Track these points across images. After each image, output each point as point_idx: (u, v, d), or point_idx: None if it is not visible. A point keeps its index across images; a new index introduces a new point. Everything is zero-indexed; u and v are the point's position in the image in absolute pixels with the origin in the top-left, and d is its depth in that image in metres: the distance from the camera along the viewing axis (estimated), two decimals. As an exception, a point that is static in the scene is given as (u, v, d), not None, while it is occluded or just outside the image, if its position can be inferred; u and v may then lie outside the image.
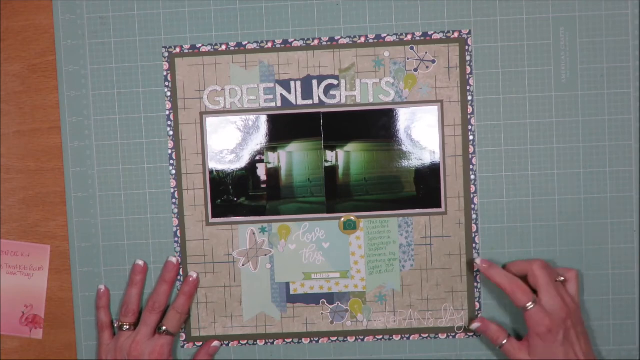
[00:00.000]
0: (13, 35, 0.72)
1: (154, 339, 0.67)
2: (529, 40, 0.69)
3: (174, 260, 0.70)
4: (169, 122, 0.71)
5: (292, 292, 0.71)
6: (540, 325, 0.62)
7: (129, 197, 0.71)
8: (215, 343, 0.71)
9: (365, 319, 0.71)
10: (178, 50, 0.70)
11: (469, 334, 0.71)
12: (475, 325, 0.68)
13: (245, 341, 0.72)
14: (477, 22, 0.69)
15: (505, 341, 0.66)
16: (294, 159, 0.70)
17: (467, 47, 0.69)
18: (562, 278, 0.65)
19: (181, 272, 0.71)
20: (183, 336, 0.72)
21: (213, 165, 0.71)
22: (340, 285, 0.71)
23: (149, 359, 0.67)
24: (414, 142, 0.70)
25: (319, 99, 0.70)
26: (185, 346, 0.72)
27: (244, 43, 0.70)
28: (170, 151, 0.71)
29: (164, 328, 0.68)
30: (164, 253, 0.71)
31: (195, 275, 0.70)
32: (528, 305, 0.63)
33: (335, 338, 0.71)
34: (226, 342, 0.72)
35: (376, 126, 0.70)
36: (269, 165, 0.71)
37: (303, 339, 0.72)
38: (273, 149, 0.71)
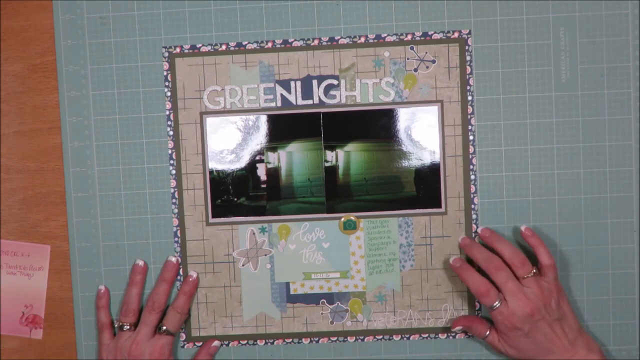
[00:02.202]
0: (13, 35, 0.72)
1: (154, 339, 0.67)
2: (529, 40, 0.69)
3: (173, 259, 0.70)
4: (169, 122, 0.71)
5: (292, 292, 0.71)
6: (502, 324, 0.64)
7: (129, 197, 0.71)
8: (216, 343, 0.71)
9: (365, 319, 0.71)
10: (178, 50, 0.70)
11: (469, 334, 0.71)
12: (457, 328, 0.68)
13: (245, 341, 0.72)
14: (477, 22, 0.69)
15: (488, 333, 0.67)
16: (294, 159, 0.70)
17: (467, 47, 0.69)
18: (534, 271, 0.64)
19: (181, 272, 0.71)
20: (183, 336, 0.72)
21: (213, 165, 0.71)
22: (340, 285, 0.71)
23: (149, 359, 0.67)
24: (414, 142, 0.70)
25: (319, 99, 0.70)
26: (185, 346, 0.72)
27: (244, 43, 0.70)
28: (170, 151, 0.71)
29: (164, 328, 0.68)
30: (164, 253, 0.71)
31: (195, 275, 0.70)
32: (494, 305, 0.64)
33: (335, 338, 0.71)
34: (226, 342, 0.72)
35: (376, 126, 0.70)
36: (269, 165, 0.71)
37: (303, 339, 0.72)
38: (273, 149, 0.71)
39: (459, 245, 0.70)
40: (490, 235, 0.67)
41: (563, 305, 0.65)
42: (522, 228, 0.67)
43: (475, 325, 0.68)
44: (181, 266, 0.71)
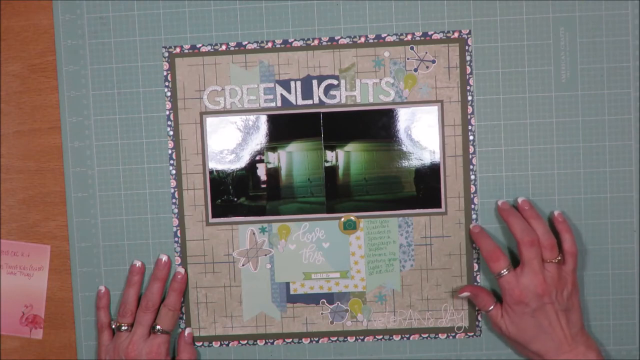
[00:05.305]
0: (13, 35, 0.72)
1: (150, 339, 0.67)
2: (529, 40, 0.69)
3: (164, 257, 0.70)
4: (169, 122, 0.71)
5: (292, 292, 0.71)
6: (509, 294, 0.65)
7: (129, 197, 0.71)
8: (188, 330, 0.71)
9: (365, 319, 0.71)
10: (178, 50, 0.70)
11: (469, 334, 0.71)
12: (464, 294, 0.68)
13: (245, 341, 0.72)
14: (477, 22, 0.69)
15: (492, 307, 0.67)
16: (294, 159, 0.70)
17: (467, 47, 0.69)
18: (559, 258, 0.65)
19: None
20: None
21: (213, 165, 0.71)
22: (340, 285, 0.71)
23: (146, 359, 0.66)
24: (414, 142, 0.70)
25: (319, 99, 0.70)
26: (185, 346, 0.72)
27: (244, 43, 0.70)
28: (170, 151, 0.71)
29: (158, 327, 0.68)
30: (164, 253, 0.71)
31: (183, 272, 0.70)
32: (502, 271, 0.65)
33: (335, 338, 0.71)
34: (226, 342, 0.72)
35: (376, 126, 0.70)
36: (269, 165, 0.71)
37: (303, 339, 0.72)
38: (273, 149, 0.71)
39: (496, 208, 0.69)
40: (529, 209, 0.67)
41: (574, 298, 0.65)
42: (555, 213, 0.68)
43: (482, 295, 0.67)
44: (181, 266, 0.71)
